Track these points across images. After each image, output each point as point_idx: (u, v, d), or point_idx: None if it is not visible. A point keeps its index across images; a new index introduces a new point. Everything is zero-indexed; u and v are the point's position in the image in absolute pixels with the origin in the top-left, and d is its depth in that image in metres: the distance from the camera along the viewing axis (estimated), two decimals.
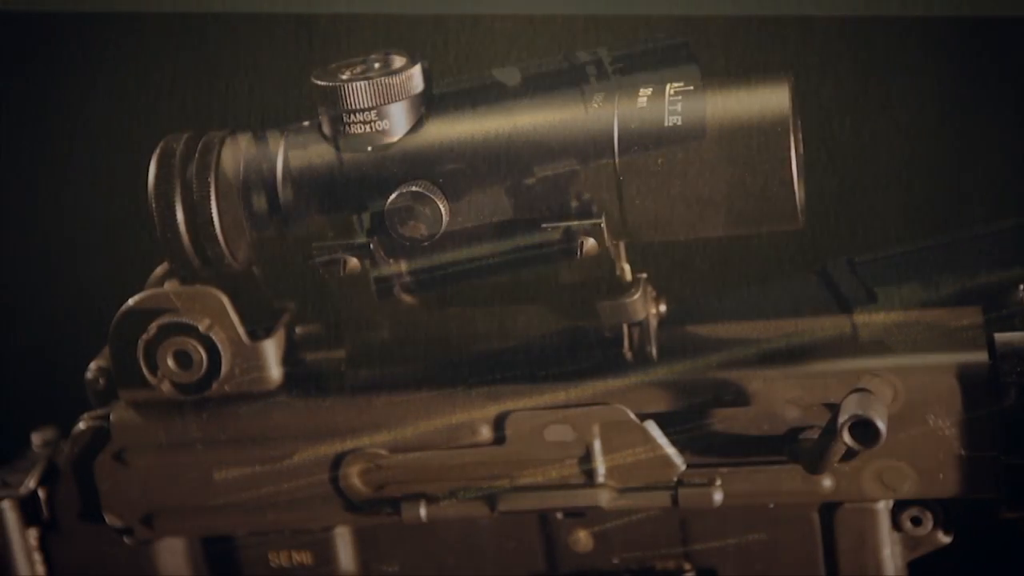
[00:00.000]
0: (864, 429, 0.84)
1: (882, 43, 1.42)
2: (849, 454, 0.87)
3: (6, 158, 1.77)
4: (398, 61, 0.92)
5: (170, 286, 0.99)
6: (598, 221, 0.89)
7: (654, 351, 0.95)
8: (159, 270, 1.02)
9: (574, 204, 0.89)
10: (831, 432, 0.85)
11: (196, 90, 1.69)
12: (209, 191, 0.93)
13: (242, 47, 1.51)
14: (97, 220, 1.76)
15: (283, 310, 1.02)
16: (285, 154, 0.92)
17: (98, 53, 1.72)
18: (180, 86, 1.70)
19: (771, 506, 0.95)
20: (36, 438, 1.08)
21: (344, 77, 0.90)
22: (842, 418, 0.84)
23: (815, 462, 0.88)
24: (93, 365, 1.02)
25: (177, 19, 1.63)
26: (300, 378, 0.99)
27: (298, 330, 1.02)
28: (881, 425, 0.83)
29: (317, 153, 0.92)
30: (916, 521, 0.94)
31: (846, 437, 0.84)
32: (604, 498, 0.94)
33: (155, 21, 1.64)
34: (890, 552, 0.94)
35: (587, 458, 0.94)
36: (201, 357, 0.96)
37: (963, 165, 1.47)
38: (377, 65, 0.92)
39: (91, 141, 1.76)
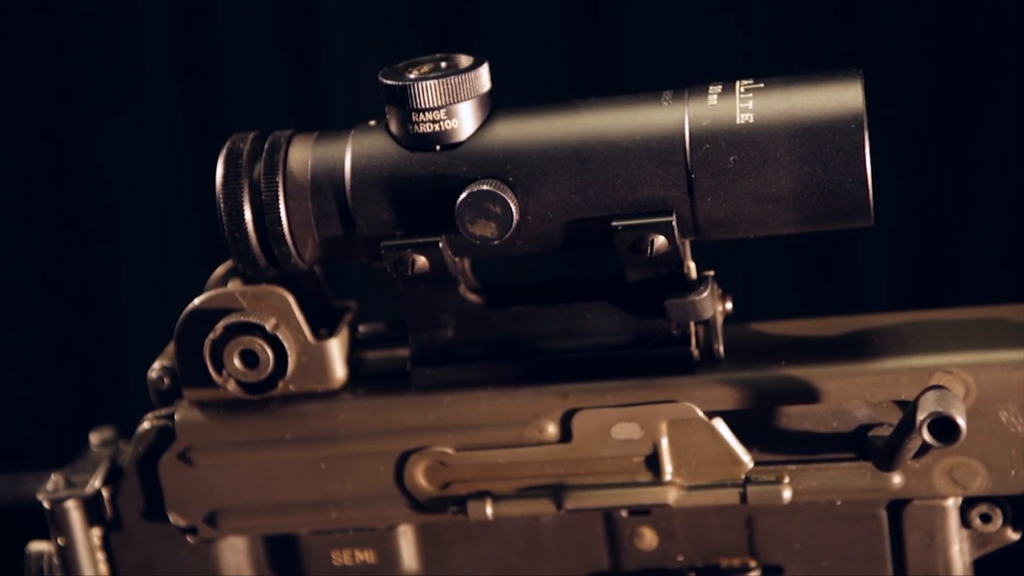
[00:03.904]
0: (943, 426, 0.83)
1: None
2: (921, 451, 0.87)
3: (69, 161, 1.77)
4: (465, 60, 0.92)
5: (233, 285, 0.99)
6: (668, 219, 0.88)
7: (721, 349, 0.95)
8: (220, 269, 1.02)
9: (644, 202, 0.89)
10: (907, 429, 0.85)
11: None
12: (277, 191, 0.92)
13: None
14: (152, 221, 1.77)
15: (346, 309, 1.02)
16: (353, 153, 0.92)
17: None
18: None
19: (838, 503, 0.94)
20: (94, 437, 1.08)
21: (412, 76, 0.90)
22: (921, 415, 0.84)
23: (888, 459, 0.88)
24: (157, 365, 1.02)
25: None
26: (365, 377, 0.99)
27: (361, 329, 1.02)
28: (962, 423, 0.83)
29: (385, 152, 0.92)
30: (985, 518, 0.94)
31: (926, 434, 0.84)
32: (671, 496, 0.94)
33: None
34: (959, 549, 0.94)
35: (654, 456, 0.94)
36: (267, 356, 0.96)
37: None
38: (444, 64, 0.92)
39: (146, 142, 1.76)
